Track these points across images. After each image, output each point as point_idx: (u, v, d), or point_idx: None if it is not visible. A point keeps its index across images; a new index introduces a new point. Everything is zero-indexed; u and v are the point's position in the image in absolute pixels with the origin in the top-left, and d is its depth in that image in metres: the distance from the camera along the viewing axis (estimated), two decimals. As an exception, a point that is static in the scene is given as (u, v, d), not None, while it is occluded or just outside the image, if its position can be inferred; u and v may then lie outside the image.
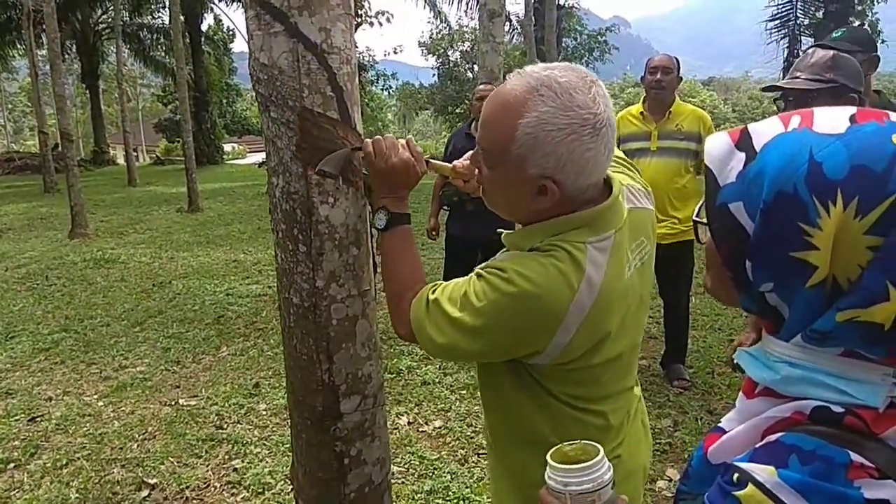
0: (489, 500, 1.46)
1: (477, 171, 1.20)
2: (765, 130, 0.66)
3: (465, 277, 1.15)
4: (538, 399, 1.17)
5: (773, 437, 0.63)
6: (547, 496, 0.87)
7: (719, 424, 0.73)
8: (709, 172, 0.68)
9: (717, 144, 0.68)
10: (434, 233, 4.65)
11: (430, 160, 1.36)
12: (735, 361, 0.75)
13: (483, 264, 1.15)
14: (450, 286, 1.16)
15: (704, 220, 0.73)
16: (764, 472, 0.60)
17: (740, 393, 0.73)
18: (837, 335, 0.62)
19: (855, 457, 0.58)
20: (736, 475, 0.62)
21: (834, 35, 2.46)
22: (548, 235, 1.11)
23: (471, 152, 1.40)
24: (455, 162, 1.41)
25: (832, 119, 0.62)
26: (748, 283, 0.67)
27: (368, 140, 1.30)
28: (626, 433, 1.28)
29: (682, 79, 3.82)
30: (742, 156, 0.66)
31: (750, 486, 0.60)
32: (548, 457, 0.89)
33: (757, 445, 0.64)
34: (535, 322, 1.06)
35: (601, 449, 0.89)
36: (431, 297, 1.16)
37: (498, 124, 1.06)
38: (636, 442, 1.33)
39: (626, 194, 1.21)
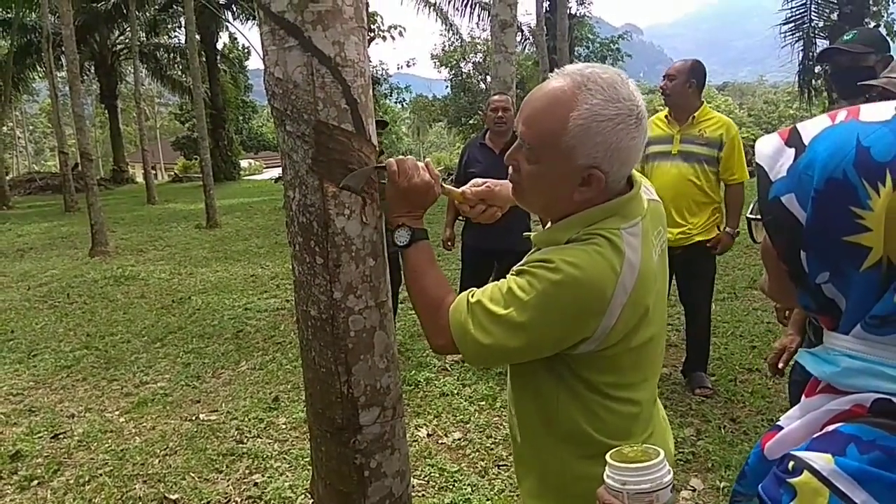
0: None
1: (512, 170, 1.23)
2: (813, 126, 0.67)
3: (501, 280, 1.18)
4: (574, 392, 1.21)
5: (831, 428, 0.62)
6: (605, 495, 0.89)
7: (777, 423, 0.72)
8: (760, 169, 0.70)
9: (767, 143, 0.71)
10: (450, 243, 4.64)
11: (443, 184, 1.39)
12: (780, 365, 0.72)
13: (522, 262, 1.18)
14: (488, 289, 1.19)
15: (758, 217, 0.74)
16: (821, 460, 0.59)
17: (802, 395, 0.72)
18: (891, 320, 0.62)
19: None
20: (791, 463, 0.61)
21: (846, 37, 2.44)
22: (584, 226, 1.17)
23: (478, 180, 1.46)
24: (464, 188, 1.44)
25: (878, 110, 0.64)
26: (804, 275, 0.67)
27: (392, 160, 1.32)
28: (654, 423, 1.32)
29: (693, 83, 3.73)
30: (792, 151, 0.68)
31: (805, 474, 0.59)
32: (607, 457, 0.90)
33: (815, 436, 0.63)
34: (584, 307, 1.11)
35: (661, 452, 0.90)
36: (472, 300, 1.19)
37: (549, 118, 1.12)
38: (662, 431, 1.36)
39: (643, 188, 1.28)
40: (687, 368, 4.04)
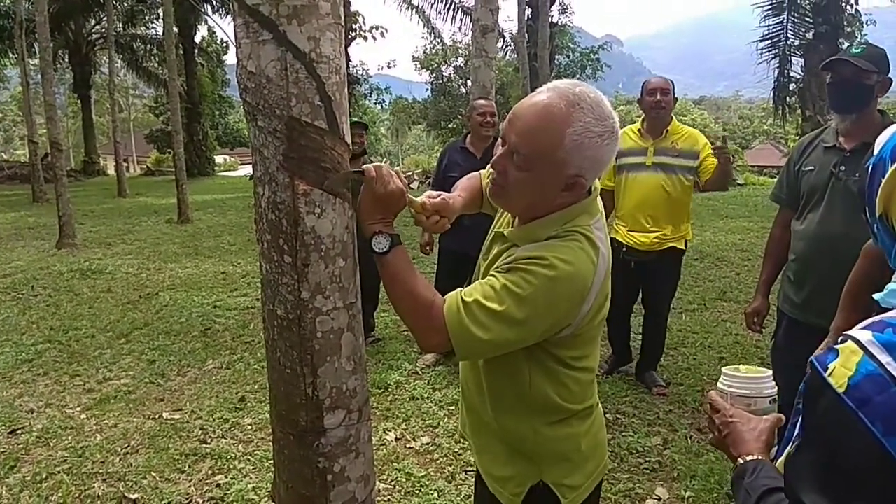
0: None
1: (497, 173, 1.33)
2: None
3: (487, 279, 1.29)
4: (546, 368, 1.37)
5: (878, 318, 0.84)
6: (714, 394, 1.18)
7: None
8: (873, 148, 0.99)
9: (887, 132, 0.97)
10: (428, 248, 4.62)
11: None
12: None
13: (508, 260, 1.29)
14: (478, 287, 1.28)
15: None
16: (863, 334, 0.81)
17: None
18: None
19: None
20: (842, 338, 0.84)
21: (855, 50, 2.43)
22: (562, 224, 1.32)
23: (432, 192, 1.54)
24: (422, 198, 1.47)
25: None
26: (870, 223, 0.96)
27: (370, 166, 1.33)
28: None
29: (676, 99, 3.96)
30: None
31: (849, 342, 0.82)
32: (724, 369, 1.20)
33: (866, 322, 0.85)
34: (572, 298, 1.27)
35: (770, 372, 1.18)
36: (467, 299, 1.26)
37: (547, 133, 1.24)
38: None
39: None
40: (642, 369, 4.20)
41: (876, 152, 0.95)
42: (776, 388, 1.16)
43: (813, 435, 0.84)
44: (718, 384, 1.19)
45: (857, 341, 0.80)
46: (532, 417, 1.41)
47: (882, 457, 0.74)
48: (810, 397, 0.85)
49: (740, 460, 1.06)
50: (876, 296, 0.92)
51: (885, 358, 0.77)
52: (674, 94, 3.86)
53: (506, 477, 1.47)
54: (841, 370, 0.80)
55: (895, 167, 0.88)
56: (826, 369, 0.81)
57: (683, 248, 3.98)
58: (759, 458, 1.05)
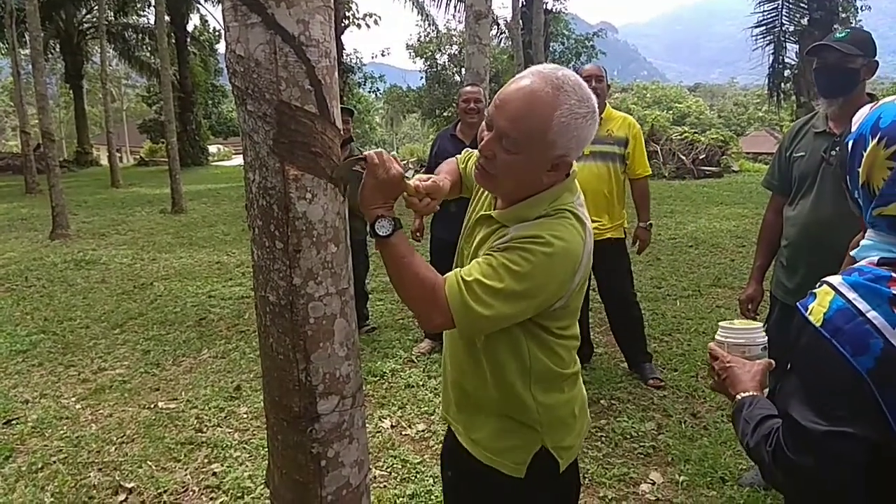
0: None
1: (485, 158, 1.36)
2: (881, 104, 1.07)
3: (484, 258, 1.33)
4: (540, 339, 1.44)
5: (850, 267, 1.03)
6: (713, 345, 1.34)
7: None
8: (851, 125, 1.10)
9: (862, 111, 1.10)
10: (419, 234, 4.62)
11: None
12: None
13: (503, 239, 1.34)
14: (475, 267, 1.32)
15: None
16: (835, 278, 1.00)
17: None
18: (877, 224, 1.05)
19: (895, 274, 0.97)
20: (819, 284, 1.01)
21: (838, 35, 2.43)
22: (549, 203, 1.38)
23: (422, 175, 1.57)
24: (414, 181, 1.48)
25: None
26: (850, 190, 1.09)
27: (372, 152, 1.35)
28: None
29: (609, 86, 4.00)
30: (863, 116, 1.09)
31: (824, 286, 1.00)
32: (720, 322, 1.37)
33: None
34: (566, 271, 1.33)
35: (760, 324, 1.35)
36: (467, 278, 1.30)
37: (536, 117, 1.29)
38: None
39: None
40: (632, 362, 4.13)
41: (854, 129, 1.07)
42: (766, 337, 1.31)
43: (797, 363, 1.03)
44: (717, 336, 1.34)
45: (830, 284, 1.00)
46: (533, 387, 1.47)
47: (853, 373, 0.93)
48: (795, 334, 1.02)
49: (738, 397, 1.22)
50: (852, 252, 1.08)
51: (851, 294, 0.96)
52: (607, 81, 3.86)
53: (507, 448, 1.50)
54: (818, 308, 0.99)
55: (875, 141, 1.01)
56: (807, 310, 1.01)
57: (622, 236, 3.96)
58: (755, 394, 1.21)
